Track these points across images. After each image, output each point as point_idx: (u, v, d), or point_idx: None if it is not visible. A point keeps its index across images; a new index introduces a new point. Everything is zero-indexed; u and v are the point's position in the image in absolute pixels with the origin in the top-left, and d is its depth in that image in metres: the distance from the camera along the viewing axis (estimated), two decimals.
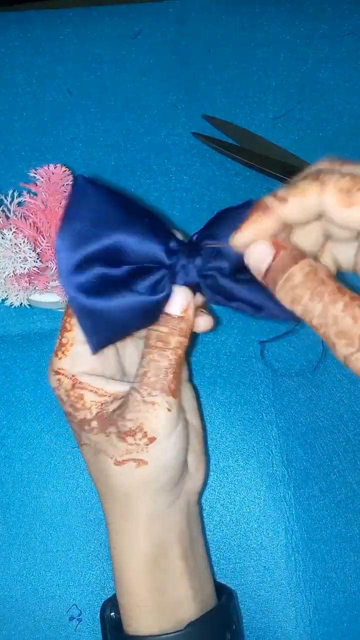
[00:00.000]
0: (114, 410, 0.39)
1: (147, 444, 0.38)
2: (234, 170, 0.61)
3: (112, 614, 0.44)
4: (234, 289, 0.39)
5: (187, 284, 0.40)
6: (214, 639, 0.41)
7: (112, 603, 0.45)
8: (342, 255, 0.39)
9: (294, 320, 0.36)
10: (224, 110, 0.63)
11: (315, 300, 0.32)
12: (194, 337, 0.55)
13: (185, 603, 0.41)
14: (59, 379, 0.41)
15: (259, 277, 0.34)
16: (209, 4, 0.67)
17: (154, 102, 0.63)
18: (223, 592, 0.45)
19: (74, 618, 0.49)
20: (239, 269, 0.38)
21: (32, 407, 0.53)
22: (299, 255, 0.33)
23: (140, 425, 0.38)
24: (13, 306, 0.50)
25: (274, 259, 0.33)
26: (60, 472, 0.52)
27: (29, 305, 0.52)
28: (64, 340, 0.41)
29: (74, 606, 0.49)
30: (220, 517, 0.51)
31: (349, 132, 0.62)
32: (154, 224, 0.38)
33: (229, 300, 0.40)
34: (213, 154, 0.61)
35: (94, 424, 0.39)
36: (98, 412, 0.40)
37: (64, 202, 0.51)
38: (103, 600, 0.49)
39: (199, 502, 0.48)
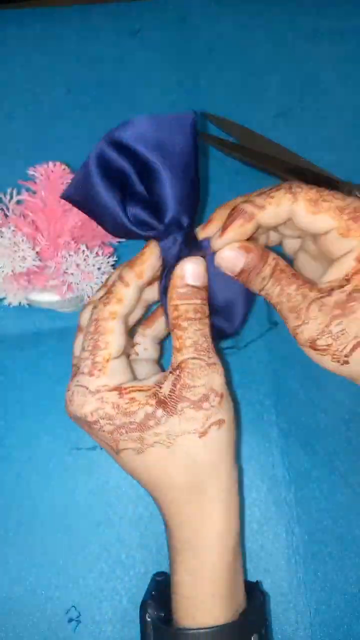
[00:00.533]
0: (171, 391, 0.40)
1: (220, 402, 0.40)
2: (234, 168, 0.60)
3: (155, 612, 0.43)
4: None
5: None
6: (259, 626, 0.42)
7: (153, 602, 0.44)
8: (289, 247, 0.47)
9: (236, 334, 0.46)
10: (224, 108, 0.62)
11: (275, 284, 0.40)
12: None
13: (241, 589, 0.43)
14: (100, 397, 0.40)
15: (233, 275, 0.41)
16: (210, 2, 0.66)
17: (154, 100, 0.63)
18: (253, 587, 0.45)
19: (73, 620, 0.49)
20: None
21: (31, 408, 0.53)
22: (265, 252, 0.41)
23: (211, 387, 0.40)
24: (12, 305, 0.50)
25: (246, 260, 0.40)
26: (59, 472, 0.51)
27: (28, 304, 0.52)
28: (98, 359, 0.41)
29: (73, 608, 0.49)
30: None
31: (349, 130, 0.62)
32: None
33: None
34: (213, 152, 0.61)
35: (159, 412, 0.39)
36: (157, 401, 0.40)
37: (62, 201, 0.50)
38: (102, 603, 0.49)
39: None
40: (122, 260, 0.55)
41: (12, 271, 0.47)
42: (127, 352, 0.44)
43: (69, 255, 0.48)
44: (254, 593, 0.44)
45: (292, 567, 0.50)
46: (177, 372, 0.40)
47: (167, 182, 0.40)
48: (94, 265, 0.48)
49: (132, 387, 0.41)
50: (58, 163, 0.51)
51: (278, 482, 0.51)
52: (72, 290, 0.49)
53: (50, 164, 0.50)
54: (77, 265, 0.47)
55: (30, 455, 0.52)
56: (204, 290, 0.42)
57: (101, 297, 0.42)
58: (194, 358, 0.40)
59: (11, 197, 0.50)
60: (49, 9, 0.66)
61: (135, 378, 0.43)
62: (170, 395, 0.39)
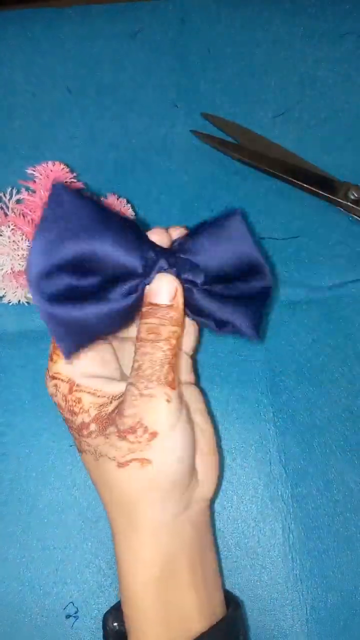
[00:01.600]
0: (112, 411, 0.38)
1: (150, 440, 0.37)
2: (233, 169, 0.61)
3: (115, 624, 0.42)
4: (205, 305, 0.39)
5: None
6: None
7: (114, 614, 0.43)
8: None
9: (257, 338, 0.40)
10: (223, 109, 0.63)
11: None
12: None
13: (193, 616, 0.40)
14: (55, 384, 0.40)
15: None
16: (209, 3, 0.66)
17: (153, 101, 0.63)
18: (230, 602, 0.44)
19: (70, 616, 0.49)
20: (214, 281, 0.39)
21: (30, 405, 0.53)
22: None
23: (140, 421, 0.37)
24: (11, 303, 0.51)
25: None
26: (57, 470, 0.52)
27: (27, 302, 0.52)
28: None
29: (71, 604, 0.49)
30: (218, 515, 0.51)
31: (348, 131, 0.62)
32: (131, 232, 0.37)
33: (196, 314, 0.40)
34: (213, 152, 0.61)
35: (93, 427, 0.38)
36: (96, 414, 0.38)
37: None
38: (100, 599, 0.49)
39: (212, 508, 0.47)
40: None
41: (12, 269, 0.48)
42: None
43: None
44: (222, 619, 0.42)
45: (288, 563, 0.50)
46: (123, 395, 0.39)
47: (99, 248, 0.36)
48: None
49: (84, 386, 0.39)
50: (57, 162, 0.51)
51: (275, 478, 0.52)
52: None
53: (50, 163, 0.51)
54: None
55: (29, 452, 0.52)
56: (168, 311, 0.38)
57: None
58: (130, 385, 0.38)
59: (11, 196, 0.51)
60: (49, 9, 0.66)
61: (121, 373, 0.43)
62: (108, 416, 0.38)
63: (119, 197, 0.54)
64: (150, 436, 0.37)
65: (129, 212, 0.53)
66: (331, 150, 0.62)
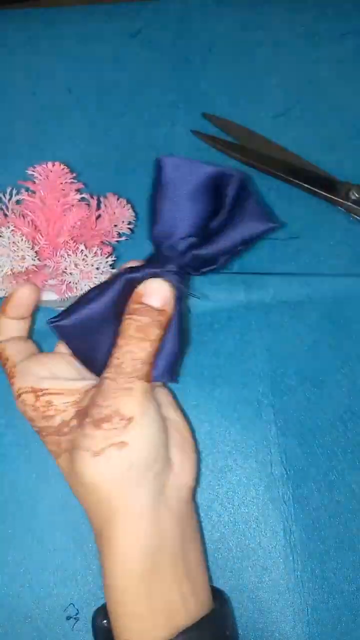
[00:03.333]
0: (87, 404, 0.40)
1: (126, 425, 0.38)
2: (233, 169, 0.61)
3: (105, 622, 0.42)
4: (217, 251, 0.42)
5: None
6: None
7: (104, 611, 0.43)
8: None
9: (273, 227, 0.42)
10: (224, 109, 0.63)
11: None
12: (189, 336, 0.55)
13: (178, 610, 0.40)
14: (22, 400, 0.41)
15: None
16: (209, 3, 0.66)
17: (154, 101, 0.63)
18: (217, 597, 0.44)
19: (71, 617, 0.49)
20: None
21: None
22: None
23: (117, 410, 0.38)
24: None
25: None
26: (57, 471, 0.51)
27: None
28: (7, 369, 0.43)
29: (71, 605, 0.49)
30: (219, 516, 0.51)
31: (348, 131, 0.62)
32: None
33: (212, 264, 0.42)
34: (213, 152, 0.61)
35: (74, 422, 0.39)
36: (76, 410, 0.40)
37: (62, 200, 0.51)
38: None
39: (194, 501, 0.47)
40: (121, 260, 0.55)
41: (11, 270, 0.47)
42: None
43: (68, 254, 0.48)
44: (209, 613, 0.41)
45: (289, 565, 0.50)
46: (97, 387, 0.40)
47: None
48: (92, 265, 0.48)
49: (49, 389, 0.41)
50: (57, 163, 0.51)
51: (276, 480, 0.51)
52: (71, 289, 0.49)
53: (49, 163, 0.51)
54: (76, 264, 0.48)
55: (30, 453, 0.52)
56: (159, 314, 0.40)
57: None
58: (109, 379, 0.39)
59: (10, 197, 0.50)
60: (49, 9, 0.66)
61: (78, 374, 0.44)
62: (84, 408, 0.40)
63: (119, 197, 0.53)
64: (126, 422, 0.38)
65: (129, 212, 0.53)
66: (331, 150, 0.62)
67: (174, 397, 0.50)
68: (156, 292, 0.40)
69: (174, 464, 0.43)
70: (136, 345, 0.39)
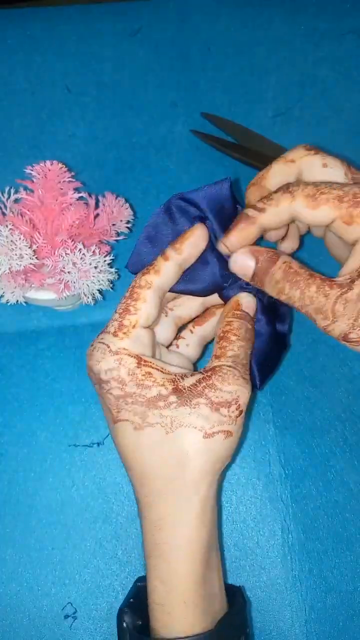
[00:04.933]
0: (194, 384, 0.40)
1: (237, 416, 0.40)
2: (233, 168, 0.61)
3: (132, 620, 0.42)
4: None
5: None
6: (239, 634, 0.42)
7: (130, 609, 0.42)
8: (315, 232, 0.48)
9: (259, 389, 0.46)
10: (223, 108, 0.63)
11: (293, 288, 0.40)
12: None
13: (218, 599, 0.41)
14: (119, 359, 0.40)
15: (247, 280, 0.43)
16: (209, 2, 0.67)
17: (153, 100, 0.63)
18: (232, 589, 0.44)
19: (69, 616, 0.49)
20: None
21: (28, 405, 0.53)
22: (274, 255, 0.42)
23: (236, 398, 0.39)
24: (9, 303, 0.50)
25: (256, 264, 0.42)
26: (56, 469, 0.52)
27: (25, 302, 0.52)
28: (125, 322, 0.41)
29: (69, 604, 0.49)
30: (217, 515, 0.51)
31: (348, 130, 0.62)
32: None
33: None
34: (212, 151, 0.61)
35: (173, 398, 0.39)
36: (174, 387, 0.40)
37: (60, 199, 0.51)
38: (98, 600, 0.49)
39: None
40: (119, 259, 0.56)
41: (10, 269, 0.47)
42: (162, 336, 0.47)
43: (66, 253, 0.48)
44: (235, 599, 0.43)
45: (287, 564, 0.50)
46: (208, 373, 0.40)
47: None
48: (90, 264, 0.48)
49: (152, 362, 0.41)
50: (55, 162, 0.51)
51: (274, 479, 0.51)
52: (69, 288, 0.49)
53: (48, 162, 0.51)
54: (74, 263, 0.48)
55: (28, 452, 0.52)
56: (253, 322, 0.44)
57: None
58: (230, 366, 0.40)
59: (9, 196, 0.51)
60: (49, 9, 0.66)
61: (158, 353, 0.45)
62: (190, 389, 0.40)
63: (117, 196, 0.54)
64: (239, 412, 0.40)
65: (127, 211, 0.53)
66: (331, 149, 0.61)
67: None
68: (249, 303, 0.44)
69: None
70: (247, 343, 0.42)
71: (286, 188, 0.42)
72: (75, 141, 0.61)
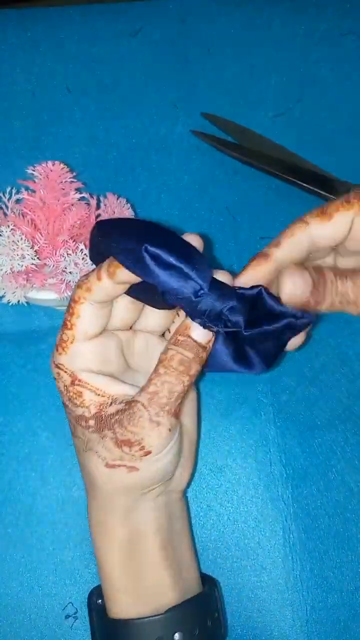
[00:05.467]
0: (111, 414, 0.39)
1: (142, 456, 0.39)
2: (233, 169, 0.61)
3: (99, 601, 0.45)
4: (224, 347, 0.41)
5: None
6: (194, 624, 0.42)
7: (98, 591, 0.46)
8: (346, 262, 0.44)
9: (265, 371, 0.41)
10: (223, 109, 0.63)
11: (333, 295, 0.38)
12: None
13: (165, 590, 0.42)
14: (58, 373, 0.41)
15: (300, 304, 0.38)
16: (209, 2, 0.67)
17: (153, 100, 0.63)
18: (207, 582, 0.46)
19: (70, 616, 0.49)
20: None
21: (29, 405, 0.53)
22: (323, 272, 0.38)
23: (139, 440, 0.38)
24: (10, 304, 0.50)
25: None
26: (56, 469, 0.52)
27: (27, 302, 0.52)
28: (64, 337, 0.41)
29: (70, 604, 0.49)
30: (218, 515, 0.51)
31: (348, 131, 0.62)
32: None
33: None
34: (213, 152, 0.61)
35: (91, 422, 0.40)
36: (96, 413, 0.40)
37: (61, 199, 0.51)
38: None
39: (184, 499, 0.48)
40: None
41: (11, 269, 0.47)
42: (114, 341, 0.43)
43: (68, 254, 0.48)
44: (198, 593, 0.45)
45: (288, 564, 0.50)
46: (127, 406, 0.39)
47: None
48: (92, 264, 0.48)
49: (86, 383, 0.40)
50: (57, 162, 0.51)
51: (275, 479, 0.51)
52: (71, 288, 0.49)
53: (49, 163, 0.51)
54: (76, 264, 0.48)
55: (29, 451, 0.52)
56: (202, 350, 0.39)
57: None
58: (143, 405, 0.39)
59: (10, 196, 0.51)
60: (49, 9, 0.66)
61: (126, 364, 0.44)
62: (107, 418, 0.39)
63: (118, 196, 0.54)
64: (144, 453, 0.39)
65: (128, 212, 0.53)
66: (331, 150, 0.62)
67: (199, 403, 0.51)
68: (202, 330, 0.39)
69: (172, 477, 0.44)
70: (177, 377, 0.39)
71: (299, 219, 0.40)
72: (76, 142, 0.61)
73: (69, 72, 0.64)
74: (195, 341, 0.39)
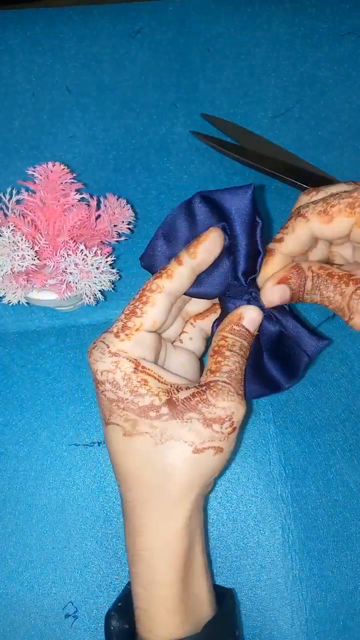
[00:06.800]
0: (187, 398, 0.39)
1: (230, 433, 0.39)
2: (233, 169, 0.61)
3: (119, 624, 0.42)
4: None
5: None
6: (227, 636, 0.42)
7: (117, 613, 0.43)
8: (344, 253, 0.47)
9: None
10: (223, 109, 0.63)
11: (315, 291, 0.42)
12: None
13: (204, 603, 0.41)
14: (117, 361, 0.40)
15: (286, 302, 0.43)
16: (209, 3, 0.67)
17: (153, 101, 0.63)
18: (222, 592, 0.45)
19: (69, 615, 0.49)
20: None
21: (29, 405, 0.53)
22: (300, 270, 0.42)
23: (231, 415, 0.39)
24: (11, 304, 0.51)
25: (290, 287, 0.43)
26: (57, 469, 0.52)
27: (27, 303, 0.52)
28: (129, 324, 0.41)
29: (70, 603, 0.49)
30: (217, 515, 0.51)
31: (348, 131, 0.62)
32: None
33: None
34: (212, 152, 0.61)
35: (164, 410, 0.39)
36: (167, 399, 0.39)
37: (62, 200, 0.51)
38: (99, 599, 0.49)
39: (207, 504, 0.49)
40: (120, 260, 0.56)
41: (12, 270, 0.48)
42: (165, 338, 0.46)
43: (68, 254, 0.48)
44: (224, 601, 0.43)
45: (287, 563, 0.50)
46: (203, 387, 0.40)
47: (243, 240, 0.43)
48: (92, 265, 0.48)
49: (150, 369, 0.40)
50: (57, 163, 0.51)
51: (274, 478, 0.52)
52: (71, 289, 0.49)
53: (50, 163, 0.51)
54: (76, 264, 0.48)
55: (29, 451, 0.52)
56: (252, 338, 0.43)
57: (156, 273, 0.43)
58: (225, 382, 0.40)
59: (11, 197, 0.51)
60: (49, 9, 0.66)
61: (162, 367, 0.44)
62: (184, 402, 0.39)
63: (118, 197, 0.54)
64: (232, 430, 0.40)
65: (128, 212, 0.54)
66: (330, 150, 0.62)
67: None
68: (252, 318, 0.43)
69: None
70: (241, 358, 0.42)
71: (297, 213, 0.42)
72: (76, 142, 0.62)
73: (69, 72, 0.64)
74: (247, 329, 0.43)
